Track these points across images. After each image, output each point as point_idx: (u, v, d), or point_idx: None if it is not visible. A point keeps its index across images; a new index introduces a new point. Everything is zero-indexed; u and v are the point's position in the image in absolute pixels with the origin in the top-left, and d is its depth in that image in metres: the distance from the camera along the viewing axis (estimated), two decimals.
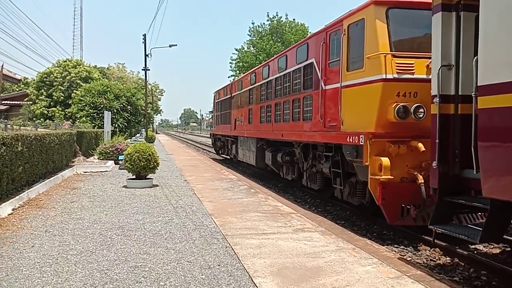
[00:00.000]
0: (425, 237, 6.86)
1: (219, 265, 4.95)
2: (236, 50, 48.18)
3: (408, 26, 7.37)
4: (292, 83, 11.19)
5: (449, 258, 6.40)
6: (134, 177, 11.54)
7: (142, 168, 11.20)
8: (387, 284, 4.43)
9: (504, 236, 6.37)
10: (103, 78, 42.76)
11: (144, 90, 33.40)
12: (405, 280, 4.56)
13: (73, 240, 5.98)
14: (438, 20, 5.66)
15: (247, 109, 16.48)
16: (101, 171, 14.84)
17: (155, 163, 11.45)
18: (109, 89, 29.76)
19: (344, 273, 4.73)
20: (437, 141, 5.58)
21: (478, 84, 4.75)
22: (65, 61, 40.64)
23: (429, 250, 6.70)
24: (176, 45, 30.60)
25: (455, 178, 5.51)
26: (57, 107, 37.32)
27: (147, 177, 11.60)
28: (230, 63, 48.87)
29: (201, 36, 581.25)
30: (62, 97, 37.58)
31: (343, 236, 6.42)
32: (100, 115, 27.38)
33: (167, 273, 4.68)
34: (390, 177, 6.88)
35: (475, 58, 4.91)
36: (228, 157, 22.71)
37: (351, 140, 7.65)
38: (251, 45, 47.61)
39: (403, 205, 6.93)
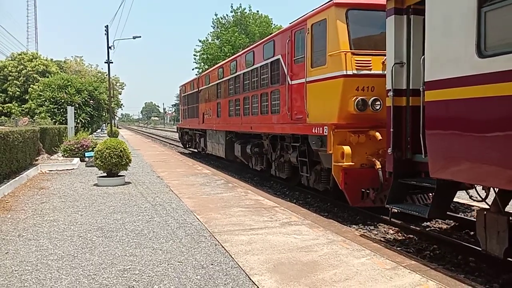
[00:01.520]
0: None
1: (212, 264, 4.77)
2: (200, 41, 47.47)
3: (366, 26, 7.93)
4: (260, 78, 11.61)
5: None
6: (105, 174, 11.09)
7: (114, 165, 10.77)
8: (385, 276, 4.41)
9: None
10: (61, 72, 41.13)
11: (107, 83, 32.31)
12: (402, 271, 4.56)
13: (51, 244, 5.62)
14: (391, 22, 6.34)
15: (216, 103, 16.64)
16: (67, 169, 14.20)
17: (127, 160, 11.03)
18: (70, 83, 28.56)
19: (341, 267, 4.67)
20: (391, 130, 6.31)
21: (425, 80, 5.43)
22: (20, 54, 38.82)
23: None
24: (140, 36, 29.71)
25: (408, 163, 6.24)
26: (13, 102, 35.61)
27: (119, 174, 11.19)
28: (194, 55, 48.12)
29: (164, 28, 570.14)
30: (18, 92, 35.91)
31: (331, 228, 6.38)
32: (61, 110, 26.30)
33: (159, 275, 4.46)
34: (351, 163, 7.54)
35: (422, 57, 5.60)
36: (196, 150, 22.71)
37: (316, 131, 8.24)
38: (215, 37, 47.03)
39: (363, 189, 7.64)
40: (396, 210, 6.82)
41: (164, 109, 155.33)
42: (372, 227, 7.57)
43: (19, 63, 37.45)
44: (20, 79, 36.68)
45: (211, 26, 48.98)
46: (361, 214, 8.19)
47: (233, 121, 14.31)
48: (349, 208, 8.50)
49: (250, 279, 4.34)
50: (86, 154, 15.71)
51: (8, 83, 36.65)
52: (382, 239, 6.80)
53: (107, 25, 24.52)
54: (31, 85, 33.79)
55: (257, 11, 46.95)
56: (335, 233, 6.09)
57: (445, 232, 7.29)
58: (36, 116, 26.72)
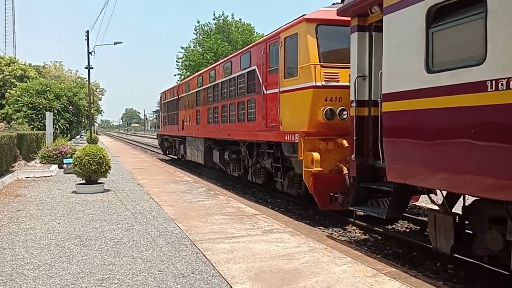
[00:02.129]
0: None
1: (193, 273, 4.72)
2: (182, 48, 47.35)
3: (334, 40, 8.39)
4: (237, 87, 12.11)
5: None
6: (84, 181, 10.88)
7: (93, 172, 10.58)
8: (366, 283, 4.43)
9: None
10: (40, 77, 40.40)
11: (87, 89, 31.87)
12: (382, 278, 4.59)
13: (27, 253, 5.47)
14: (355, 38, 6.82)
15: (195, 110, 16.99)
16: (45, 176, 13.90)
17: (106, 167, 10.85)
18: (48, 88, 28.02)
19: (322, 274, 4.67)
20: (354, 138, 6.81)
21: (382, 92, 5.90)
22: None
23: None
24: (122, 42, 29.51)
25: (370, 168, 6.70)
26: None
27: (98, 181, 11.00)
28: (176, 61, 47.95)
29: (146, 35, 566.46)
30: None
31: (312, 236, 6.39)
32: (40, 116, 25.77)
33: (138, 285, 4.38)
34: (320, 169, 8.03)
35: (380, 71, 6.07)
36: (176, 157, 22.88)
37: (288, 138, 8.72)
38: (198, 44, 46.99)
39: (331, 193, 8.06)
40: (361, 213, 7.60)
41: (145, 115, 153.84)
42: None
43: None
44: None
45: (194, 33, 48.80)
46: (333, 218, 8.49)
47: (211, 128, 14.65)
48: (320, 212, 8.77)
49: (232, 287, 4.30)
50: (65, 160, 15.39)
51: None
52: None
53: (88, 31, 24.26)
54: (8, 90, 33.05)
55: (240, 19, 47.21)
56: (317, 240, 6.10)
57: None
58: (13, 122, 26.13)
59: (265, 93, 10.10)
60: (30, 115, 26.35)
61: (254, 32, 46.18)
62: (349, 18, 7.00)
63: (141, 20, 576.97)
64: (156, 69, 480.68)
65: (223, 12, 49.77)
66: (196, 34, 48.30)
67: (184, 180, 13.16)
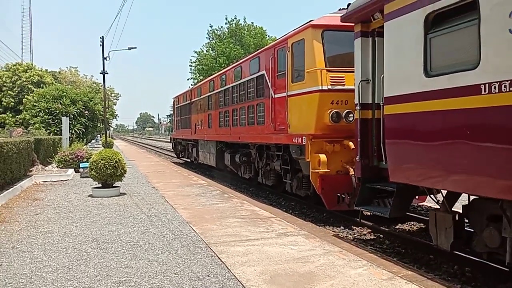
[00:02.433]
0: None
1: (208, 276, 4.74)
2: (196, 52, 47.65)
3: (339, 46, 8.53)
4: (247, 91, 12.43)
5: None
6: (100, 185, 11.03)
7: (109, 176, 10.72)
8: (382, 286, 4.40)
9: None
10: (56, 82, 41.07)
11: (102, 94, 32.28)
12: (398, 281, 4.55)
13: (45, 255, 5.56)
14: (358, 44, 7.03)
15: (207, 114, 17.35)
16: (62, 180, 14.11)
17: (122, 170, 10.99)
18: (65, 93, 28.50)
19: (337, 277, 4.66)
20: (358, 140, 6.98)
21: (384, 96, 6.11)
22: (15, 65, 38.72)
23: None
24: (136, 47, 29.83)
25: (374, 169, 6.86)
26: (7, 113, 35.43)
27: (114, 185, 11.13)
28: (189, 65, 48.27)
29: (159, 40, 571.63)
30: (12, 103, 35.75)
31: (327, 239, 6.37)
32: (56, 121, 26.19)
33: (155, 287, 4.42)
34: (327, 170, 8.24)
35: (382, 75, 6.28)
36: (189, 160, 23.26)
37: (296, 140, 8.97)
38: (210, 48, 47.26)
39: (338, 194, 8.23)
40: (369, 213, 7.90)
41: (159, 119, 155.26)
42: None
43: (13, 74, 37.36)
44: (14, 89, 36.56)
45: (206, 37, 49.35)
46: (349, 221, 8.42)
47: (223, 131, 14.96)
48: (334, 215, 8.81)
49: None
50: (81, 165, 15.61)
51: (2, 93, 36.51)
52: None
53: (102, 36, 24.59)
54: (26, 96, 33.67)
55: (252, 22, 47.37)
56: (332, 243, 6.08)
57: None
58: (30, 127, 26.61)
59: (273, 97, 10.39)
60: (46, 120, 26.82)
61: (266, 35, 46.29)
62: (353, 24, 7.18)
63: (154, 26, 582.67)
64: (169, 74, 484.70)
65: (235, 16, 50.08)
66: (209, 38, 48.67)
67: (198, 183, 13.23)
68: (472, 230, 5.45)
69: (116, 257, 5.50)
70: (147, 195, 10.73)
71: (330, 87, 8.34)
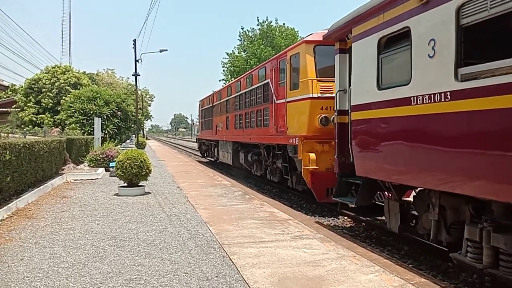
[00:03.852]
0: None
1: (217, 277, 4.77)
2: (227, 54, 47.99)
3: (329, 59, 9.13)
4: (256, 97, 13.90)
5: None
6: (125, 184, 11.30)
7: (134, 175, 10.98)
8: None
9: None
10: (93, 84, 42.39)
11: (135, 95, 33.06)
12: None
13: (64, 252, 5.75)
14: (337, 59, 8.19)
15: (225, 116, 18.94)
16: (91, 179, 14.56)
17: (147, 170, 11.23)
18: (98, 95, 29.39)
19: (347, 283, 4.58)
20: (336, 141, 8.12)
21: (351, 104, 7.36)
22: (54, 67, 40.23)
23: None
24: (167, 50, 30.43)
25: (350, 165, 7.63)
26: (46, 113, 36.90)
27: (139, 184, 11.38)
28: (222, 67, 48.68)
29: (191, 41, 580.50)
30: (51, 104, 37.17)
31: (343, 243, 6.28)
32: (90, 121, 27.05)
33: (163, 286, 4.49)
34: (316, 167, 9.50)
35: (350, 87, 7.53)
36: (212, 159, 24.59)
37: (291, 141, 10.30)
38: (242, 50, 47.48)
39: (328, 188, 9.21)
40: (353, 206, 8.72)
41: (192, 120, 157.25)
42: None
43: (52, 76, 38.83)
44: (53, 91, 37.97)
45: (238, 39, 49.39)
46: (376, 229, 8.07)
47: (238, 132, 16.46)
48: (366, 223, 8.62)
49: None
50: (111, 164, 16.03)
51: (42, 94, 38.04)
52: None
53: (135, 39, 25.20)
54: (63, 97, 34.94)
55: (283, 23, 47.19)
56: (347, 248, 5.99)
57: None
58: (66, 127, 27.61)
59: (276, 102, 11.74)
60: (81, 121, 27.74)
61: (298, 36, 46.01)
62: (333, 43, 8.34)
63: (186, 27, 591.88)
64: (203, 75, 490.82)
65: (267, 17, 50.03)
66: (240, 40, 48.86)
67: (222, 183, 13.33)
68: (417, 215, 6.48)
69: (131, 255, 5.62)
70: (170, 195, 10.91)
71: (320, 95, 9.55)
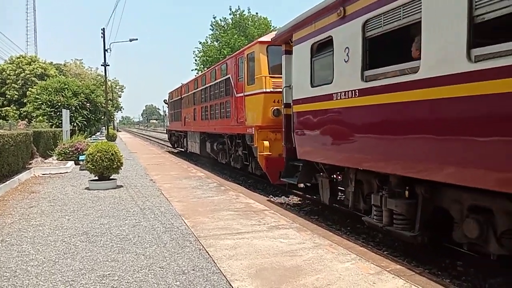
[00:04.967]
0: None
1: (193, 270, 4.69)
2: (200, 43, 47.36)
3: (280, 58, 9.85)
4: (219, 90, 15.10)
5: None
6: (96, 178, 11.01)
7: (105, 168, 10.70)
8: (368, 281, 4.32)
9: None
10: (60, 75, 41.09)
11: (104, 86, 32.25)
12: (386, 276, 4.48)
13: (33, 249, 5.54)
14: (283, 59, 9.30)
15: (193, 108, 19.91)
16: (61, 173, 14.13)
17: (118, 163, 10.96)
18: (66, 86, 28.49)
19: (324, 272, 4.59)
20: (283, 129, 9.24)
21: (293, 98, 8.49)
22: (19, 58, 38.80)
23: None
24: (137, 39, 29.76)
25: (294, 150, 8.54)
26: (11, 106, 35.59)
27: (110, 177, 11.10)
28: (194, 57, 48.01)
29: (163, 30, 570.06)
30: (16, 96, 35.89)
31: (319, 232, 6.29)
32: (58, 113, 26.23)
33: (138, 282, 4.37)
34: (269, 153, 10.72)
35: (292, 84, 8.68)
36: (182, 149, 25.61)
37: (249, 131, 11.51)
38: (215, 40, 46.93)
39: (280, 171, 9.79)
40: (302, 185, 10.50)
41: (164, 111, 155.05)
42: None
43: (17, 67, 37.43)
44: (18, 82, 36.64)
45: (210, 28, 48.69)
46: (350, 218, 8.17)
47: (204, 123, 17.53)
48: (340, 210, 8.62)
49: (230, 285, 4.26)
50: (80, 157, 15.54)
51: (6, 86, 36.62)
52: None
53: (103, 28, 24.50)
54: (29, 88, 33.71)
55: (256, 13, 46.87)
56: (323, 236, 6.01)
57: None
58: (33, 120, 26.68)
59: (236, 96, 12.88)
60: (49, 113, 26.84)
61: (270, 26, 45.83)
62: (281, 45, 9.47)
63: (157, 16, 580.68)
64: (175, 66, 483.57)
65: (238, 6, 49.51)
66: (213, 30, 48.24)
67: (196, 175, 13.19)
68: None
69: (104, 250, 5.46)
70: (143, 188, 10.70)
71: (272, 89, 10.68)
